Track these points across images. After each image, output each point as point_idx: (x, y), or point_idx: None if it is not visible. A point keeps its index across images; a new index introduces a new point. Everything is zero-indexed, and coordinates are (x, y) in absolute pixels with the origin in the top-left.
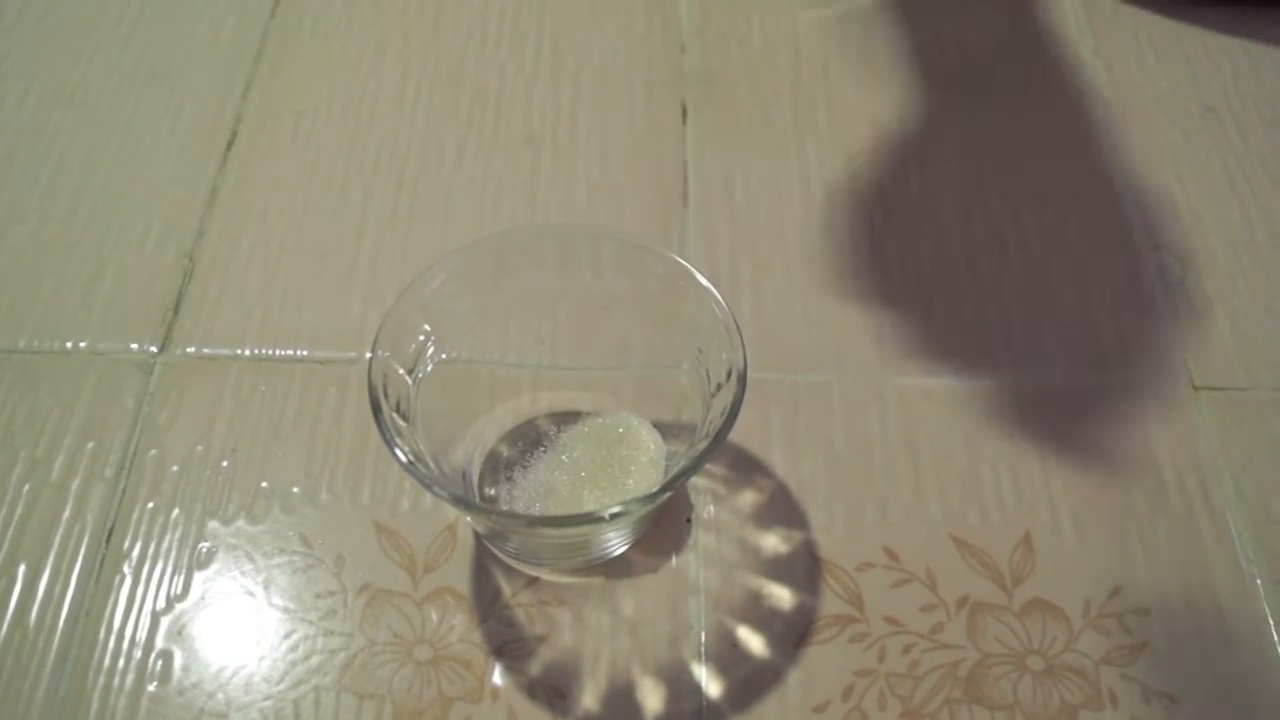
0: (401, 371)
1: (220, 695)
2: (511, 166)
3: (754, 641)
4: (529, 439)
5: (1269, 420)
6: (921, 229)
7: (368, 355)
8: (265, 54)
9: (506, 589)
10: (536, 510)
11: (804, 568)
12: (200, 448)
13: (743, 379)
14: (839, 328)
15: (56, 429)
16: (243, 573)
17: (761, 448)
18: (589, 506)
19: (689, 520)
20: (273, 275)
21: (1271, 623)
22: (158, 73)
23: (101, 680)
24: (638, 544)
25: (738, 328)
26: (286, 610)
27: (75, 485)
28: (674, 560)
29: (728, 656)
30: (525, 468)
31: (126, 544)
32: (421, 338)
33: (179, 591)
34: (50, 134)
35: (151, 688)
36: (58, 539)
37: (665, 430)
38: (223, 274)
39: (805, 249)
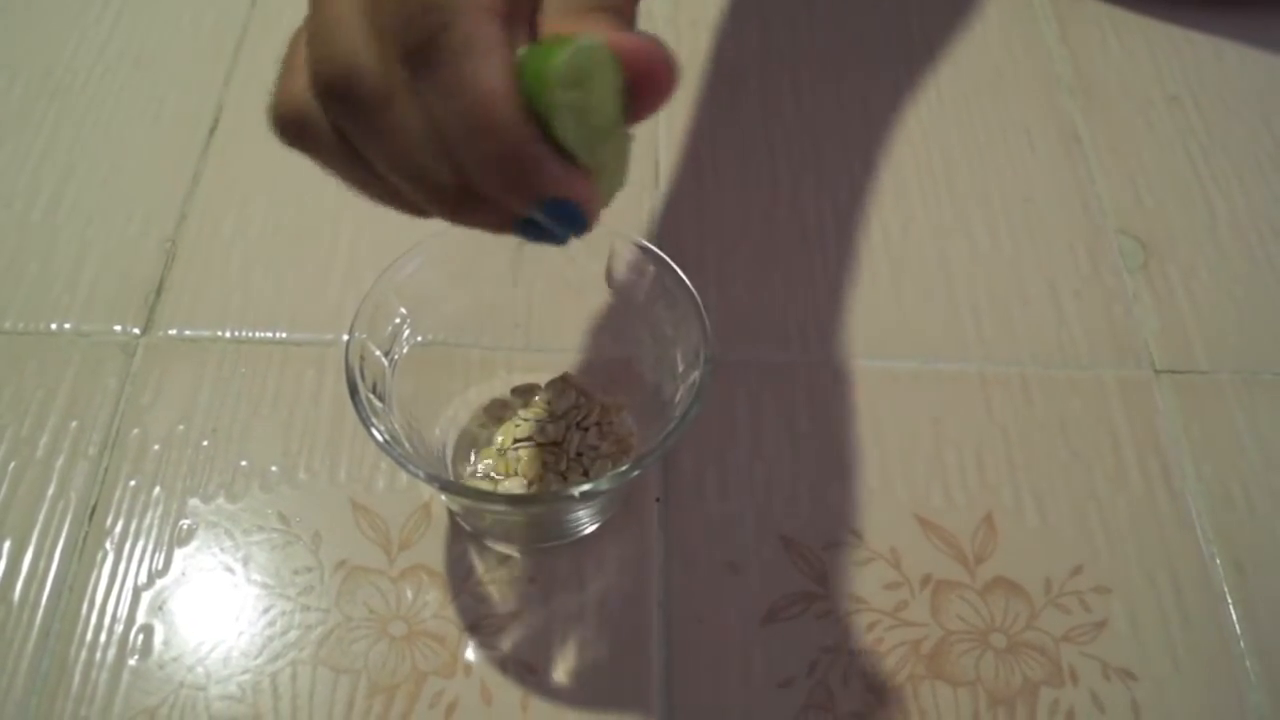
0: (378, 353)
1: (200, 669)
2: None
3: (720, 619)
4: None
5: (1229, 403)
6: (889, 214)
7: (345, 337)
8: (246, 43)
9: (479, 566)
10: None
11: (770, 546)
12: (181, 427)
13: (709, 361)
14: (805, 311)
15: (41, 408)
16: (222, 549)
17: (729, 429)
18: (559, 485)
19: (658, 499)
20: (253, 259)
21: (1230, 601)
22: (141, 61)
23: (84, 654)
24: (608, 523)
25: (704, 311)
26: (265, 586)
27: (59, 463)
28: (643, 538)
29: (695, 633)
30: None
31: (109, 521)
32: (398, 320)
33: (160, 567)
34: (36, 121)
35: (133, 661)
36: (42, 516)
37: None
38: (204, 258)
39: (772, 233)
